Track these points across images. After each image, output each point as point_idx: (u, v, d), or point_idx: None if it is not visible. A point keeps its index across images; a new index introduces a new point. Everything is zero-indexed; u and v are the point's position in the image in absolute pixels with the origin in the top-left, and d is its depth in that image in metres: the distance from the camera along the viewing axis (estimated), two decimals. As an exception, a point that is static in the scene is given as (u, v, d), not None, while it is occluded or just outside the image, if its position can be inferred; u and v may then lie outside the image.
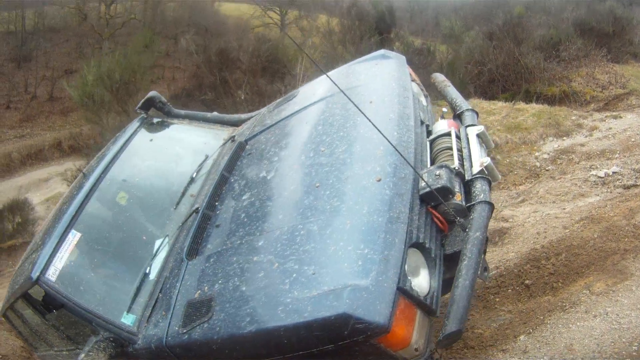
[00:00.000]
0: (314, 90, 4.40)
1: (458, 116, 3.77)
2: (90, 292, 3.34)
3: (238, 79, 11.39)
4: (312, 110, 3.97)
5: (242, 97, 11.18)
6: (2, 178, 21.46)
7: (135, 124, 4.83)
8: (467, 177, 3.15)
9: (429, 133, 3.68)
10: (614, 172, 7.65)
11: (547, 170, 8.46)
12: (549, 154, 8.78)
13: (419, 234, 2.76)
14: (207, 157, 4.22)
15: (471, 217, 2.88)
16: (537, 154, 8.89)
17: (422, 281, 2.69)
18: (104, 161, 4.18)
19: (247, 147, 4.01)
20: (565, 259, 5.10)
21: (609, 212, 6.04)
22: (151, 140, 4.72)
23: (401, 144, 3.15)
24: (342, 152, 3.23)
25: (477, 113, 3.76)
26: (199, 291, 2.91)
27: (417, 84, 4.25)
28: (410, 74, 4.18)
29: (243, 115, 4.97)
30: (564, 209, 7.02)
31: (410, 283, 2.51)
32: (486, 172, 3.16)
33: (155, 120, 4.96)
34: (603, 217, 5.90)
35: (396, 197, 2.84)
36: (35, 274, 3.31)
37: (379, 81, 3.90)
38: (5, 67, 39.60)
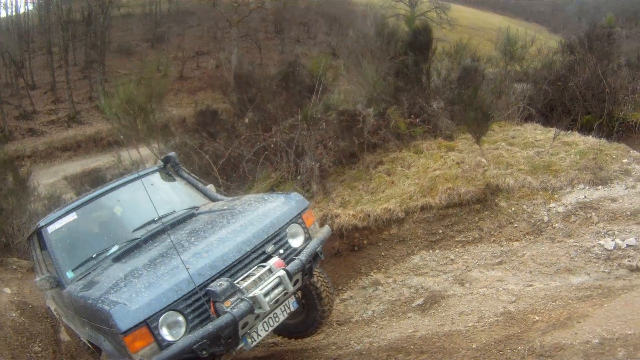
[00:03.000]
0: (235, 201, 6.06)
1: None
2: (64, 247, 5.63)
3: (253, 100, 11.29)
4: (213, 212, 5.69)
5: (246, 121, 11.31)
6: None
7: (153, 167, 6.80)
8: (242, 296, 4.40)
9: (265, 260, 4.90)
10: (628, 245, 6.23)
11: (552, 228, 7.01)
12: (566, 206, 7.25)
13: (186, 307, 4.31)
14: (174, 211, 5.94)
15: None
16: (552, 204, 7.38)
17: (176, 332, 4.26)
18: (121, 181, 6.33)
19: (192, 218, 5.74)
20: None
21: (545, 311, 5.04)
22: (152, 184, 6.36)
23: (222, 257, 4.68)
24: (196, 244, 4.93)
25: (303, 262, 4.87)
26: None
27: (303, 227, 5.41)
28: (302, 218, 5.43)
29: (219, 196, 6.56)
30: (530, 285, 5.88)
31: (159, 325, 4.17)
32: (256, 301, 4.41)
33: (168, 172, 6.76)
34: (523, 320, 4.96)
35: (185, 282, 4.36)
36: (41, 224, 5.85)
37: (261, 213, 5.36)
38: (139, 47, 43.27)
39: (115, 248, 5.45)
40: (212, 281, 4.49)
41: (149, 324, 4.16)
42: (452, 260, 7.16)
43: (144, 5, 45.18)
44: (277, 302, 4.85)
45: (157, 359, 4.06)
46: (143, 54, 41.29)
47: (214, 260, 4.68)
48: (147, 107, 11.36)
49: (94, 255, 5.46)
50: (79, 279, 5.26)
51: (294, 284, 4.95)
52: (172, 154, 6.94)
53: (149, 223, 5.68)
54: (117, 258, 5.21)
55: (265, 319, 4.95)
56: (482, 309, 5.43)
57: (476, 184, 7.77)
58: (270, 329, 5.00)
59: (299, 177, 9.60)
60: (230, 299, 4.41)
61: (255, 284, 4.57)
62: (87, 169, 22.42)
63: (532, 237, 7.04)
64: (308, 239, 5.41)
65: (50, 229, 5.79)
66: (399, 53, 9.75)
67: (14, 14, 42.39)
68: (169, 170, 6.83)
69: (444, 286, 6.42)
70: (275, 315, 5.05)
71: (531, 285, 5.84)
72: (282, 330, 6.60)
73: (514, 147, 8.93)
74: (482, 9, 56.88)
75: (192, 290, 4.38)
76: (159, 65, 39.59)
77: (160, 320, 4.22)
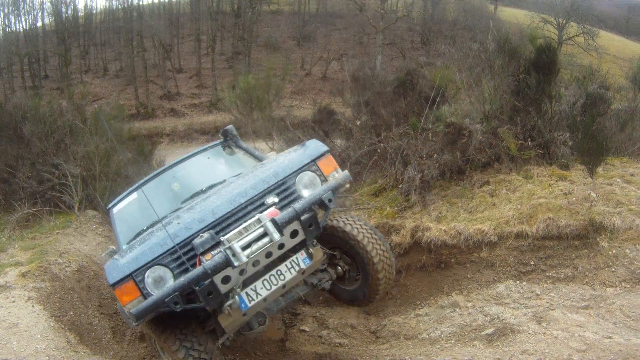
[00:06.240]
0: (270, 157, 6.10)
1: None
2: (124, 224, 6.18)
3: (368, 103, 11.46)
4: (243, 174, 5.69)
5: (358, 123, 11.42)
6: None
7: (214, 143, 7.03)
8: (222, 248, 4.35)
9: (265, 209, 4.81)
10: None
11: (657, 280, 6.55)
12: (676, 258, 6.74)
13: (171, 261, 4.50)
14: (224, 180, 5.90)
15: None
16: (664, 254, 6.88)
17: (163, 286, 4.39)
18: (179, 158, 6.76)
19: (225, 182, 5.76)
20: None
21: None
22: (208, 158, 6.80)
23: (212, 211, 4.72)
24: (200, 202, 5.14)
25: (297, 211, 4.62)
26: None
27: (319, 174, 5.17)
28: (318, 165, 5.19)
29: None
30: (609, 337, 5.49)
31: (145, 279, 4.40)
32: (234, 253, 4.29)
33: (228, 144, 6.96)
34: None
35: (169, 237, 4.53)
36: (109, 206, 6.51)
37: (271, 165, 5.27)
38: (286, 44, 44.91)
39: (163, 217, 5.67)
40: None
41: (134, 278, 4.39)
42: (537, 295, 6.84)
43: (292, 4, 46.81)
44: (269, 256, 4.68)
45: (133, 311, 4.22)
46: (289, 50, 42.81)
47: (203, 214, 4.71)
48: (263, 98, 11.85)
49: (144, 228, 5.78)
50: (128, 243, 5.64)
51: (292, 236, 4.77)
52: (230, 127, 7.07)
53: (197, 194, 5.90)
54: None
55: (266, 277, 4.81)
56: (547, 351, 5.17)
57: (579, 218, 7.36)
58: (274, 287, 4.82)
59: (400, 186, 9.57)
60: (212, 252, 4.39)
61: (239, 234, 4.42)
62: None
63: (628, 286, 6.56)
64: (323, 183, 5.16)
65: (115, 209, 6.42)
66: (521, 71, 9.41)
67: (166, 0, 45.72)
68: (228, 143, 7.00)
69: (520, 320, 6.15)
70: (279, 273, 4.87)
71: (610, 338, 5.45)
72: (340, 296, 6.58)
73: (630, 185, 8.33)
74: (634, 40, 53.46)
75: (174, 246, 4.49)
76: (303, 63, 40.99)
77: (146, 274, 4.42)
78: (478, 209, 8.42)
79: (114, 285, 4.38)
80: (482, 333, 6.08)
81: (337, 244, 5.90)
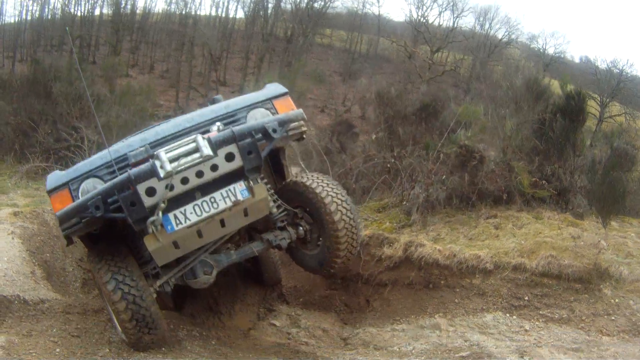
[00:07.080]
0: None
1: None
2: None
3: (387, 120, 11.20)
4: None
5: (373, 137, 11.21)
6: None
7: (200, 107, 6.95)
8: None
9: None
10: None
11: (658, 335, 5.88)
12: (682, 317, 6.07)
13: (107, 174, 4.61)
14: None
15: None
16: (671, 308, 6.22)
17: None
18: (169, 118, 6.64)
19: None
20: None
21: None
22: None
23: (156, 132, 4.86)
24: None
25: (234, 132, 4.49)
26: None
27: (273, 113, 5.08)
28: (273, 103, 5.16)
29: None
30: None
31: (79, 189, 4.52)
32: (157, 159, 4.21)
33: None
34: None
35: (111, 152, 4.65)
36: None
37: (225, 101, 5.30)
38: (331, 78, 44.97)
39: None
40: None
41: (70, 187, 4.54)
42: (526, 330, 6.22)
43: (345, 41, 46.98)
44: (200, 175, 4.42)
45: (58, 214, 4.37)
46: (333, 84, 42.76)
47: (147, 135, 4.85)
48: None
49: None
50: None
51: (228, 159, 4.49)
52: (218, 96, 6.66)
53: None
54: None
55: (198, 202, 4.50)
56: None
57: (584, 261, 6.77)
58: (205, 214, 4.50)
59: (404, 203, 9.10)
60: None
61: (172, 149, 4.32)
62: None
63: (627, 337, 5.93)
64: (271, 116, 5.03)
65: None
66: (548, 111, 8.95)
67: (223, 15, 46.11)
68: None
69: (502, 351, 5.60)
70: (212, 200, 4.54)
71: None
72: (300, 261, 6.22)
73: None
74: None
75: (111, 160, 4.60)
76: (345, 100, 40.93)
77: (82, 185, 4.56)
78: (479, 238, 7.92)
79: (50, 192, 4.52)
80: (456, 355, 5.54)
81: (300, 202, 5.60)
